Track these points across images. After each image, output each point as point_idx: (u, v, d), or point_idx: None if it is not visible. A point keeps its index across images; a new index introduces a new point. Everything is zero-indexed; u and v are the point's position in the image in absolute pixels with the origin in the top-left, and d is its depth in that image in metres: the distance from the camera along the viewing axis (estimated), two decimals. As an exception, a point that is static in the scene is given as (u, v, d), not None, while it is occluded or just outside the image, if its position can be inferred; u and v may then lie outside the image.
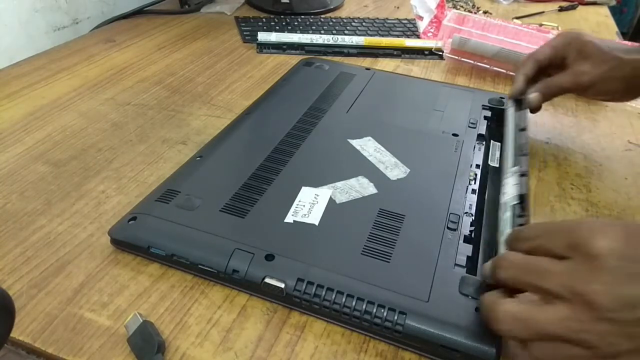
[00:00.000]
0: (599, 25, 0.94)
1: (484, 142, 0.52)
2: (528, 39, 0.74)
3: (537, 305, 0.28)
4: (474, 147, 0.50)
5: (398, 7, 0.99)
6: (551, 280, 0.27)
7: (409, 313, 0.32)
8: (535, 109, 0.51)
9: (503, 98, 0.59)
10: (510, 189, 0.40)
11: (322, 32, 0.81)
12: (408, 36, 0.82)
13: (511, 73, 0.71)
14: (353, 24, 0.86)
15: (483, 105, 0.58)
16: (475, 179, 0.46)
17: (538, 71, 0.52)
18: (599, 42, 0.49)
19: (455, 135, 0.52)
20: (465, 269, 0.36)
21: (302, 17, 0.89)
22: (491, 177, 0.47)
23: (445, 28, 0.76)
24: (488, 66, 0.72)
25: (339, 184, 0.43)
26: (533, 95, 0.50)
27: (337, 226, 0.39)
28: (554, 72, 0.52)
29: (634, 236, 0.27)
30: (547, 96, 0.51)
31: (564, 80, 0.50)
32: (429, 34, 0.84)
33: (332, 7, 0.95)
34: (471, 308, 0.33)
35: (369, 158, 0.47)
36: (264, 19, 0.87)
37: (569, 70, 0.50)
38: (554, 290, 0.27)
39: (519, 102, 0.52)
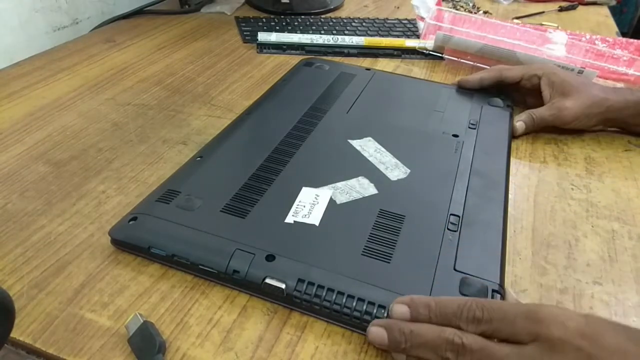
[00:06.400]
0: (599, 26, 0.94)
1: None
2: (512, 35, 0.74)
3: None
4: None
5: (398, 7, 0.99)
6: None
7: (409, 314, 0.32)
8: (517, 136, 0.57)
9: (503, 99, 0.60)
10: None
11: (322, 32, 0.81)
12: (408, 36, 0.82)
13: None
14: (353, 24, 0.86)
15: (483, 106, 0.58)
16: None
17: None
18: (576, 82, 0.56)
19: (455, 136, 0.52)
20: (466, 269, 0.36)
21: (302, 17, 0.89)
22: None
23: (429, 26, 0.77)
24: (472, 63, 0.72)
25: (339, 184, 0.43)
26: (519, 124, 0.56)
27: (337, 227, 0.39)
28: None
29: (592, 324, 0.28)
30: (530, 128, 0.57)
31: (547, 114, 0.56)
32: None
33: (332, 7, 0.95)
34: (471, 309, 0.33)
35: (369, 158, 0.47)
36: (264, 19, 0.87)
37: (550, 105, 0.56)
38: None
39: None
